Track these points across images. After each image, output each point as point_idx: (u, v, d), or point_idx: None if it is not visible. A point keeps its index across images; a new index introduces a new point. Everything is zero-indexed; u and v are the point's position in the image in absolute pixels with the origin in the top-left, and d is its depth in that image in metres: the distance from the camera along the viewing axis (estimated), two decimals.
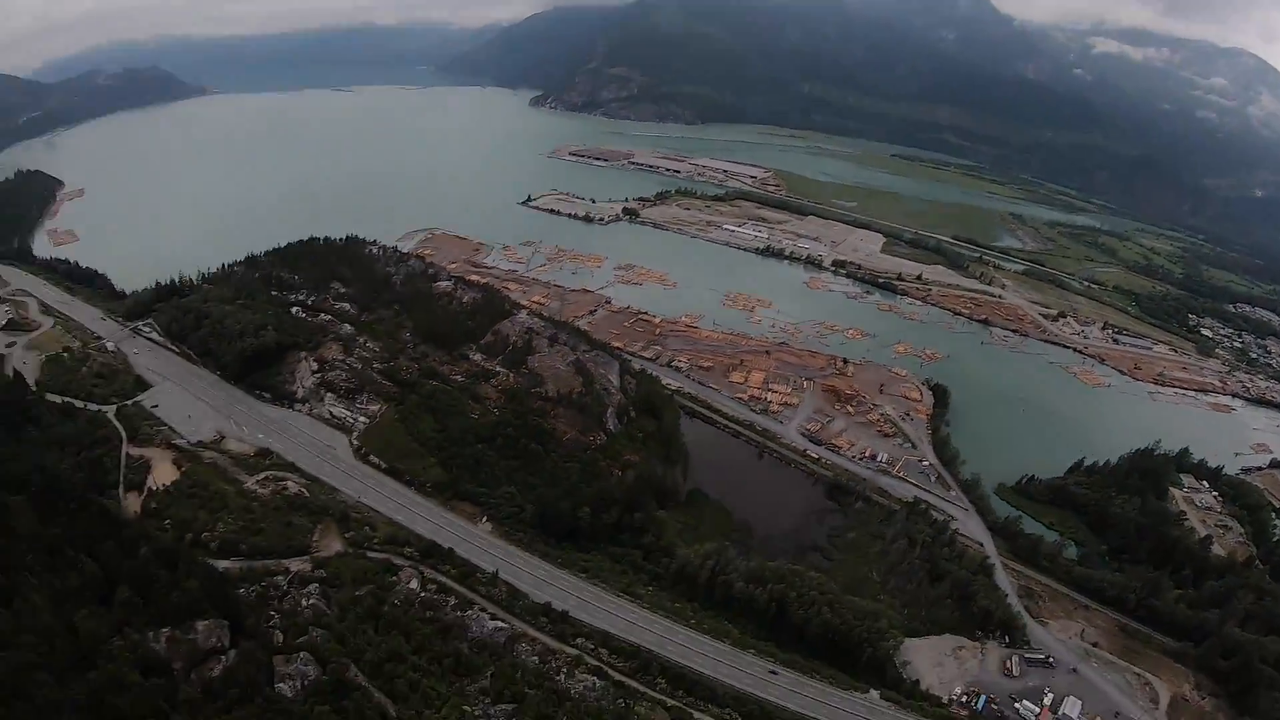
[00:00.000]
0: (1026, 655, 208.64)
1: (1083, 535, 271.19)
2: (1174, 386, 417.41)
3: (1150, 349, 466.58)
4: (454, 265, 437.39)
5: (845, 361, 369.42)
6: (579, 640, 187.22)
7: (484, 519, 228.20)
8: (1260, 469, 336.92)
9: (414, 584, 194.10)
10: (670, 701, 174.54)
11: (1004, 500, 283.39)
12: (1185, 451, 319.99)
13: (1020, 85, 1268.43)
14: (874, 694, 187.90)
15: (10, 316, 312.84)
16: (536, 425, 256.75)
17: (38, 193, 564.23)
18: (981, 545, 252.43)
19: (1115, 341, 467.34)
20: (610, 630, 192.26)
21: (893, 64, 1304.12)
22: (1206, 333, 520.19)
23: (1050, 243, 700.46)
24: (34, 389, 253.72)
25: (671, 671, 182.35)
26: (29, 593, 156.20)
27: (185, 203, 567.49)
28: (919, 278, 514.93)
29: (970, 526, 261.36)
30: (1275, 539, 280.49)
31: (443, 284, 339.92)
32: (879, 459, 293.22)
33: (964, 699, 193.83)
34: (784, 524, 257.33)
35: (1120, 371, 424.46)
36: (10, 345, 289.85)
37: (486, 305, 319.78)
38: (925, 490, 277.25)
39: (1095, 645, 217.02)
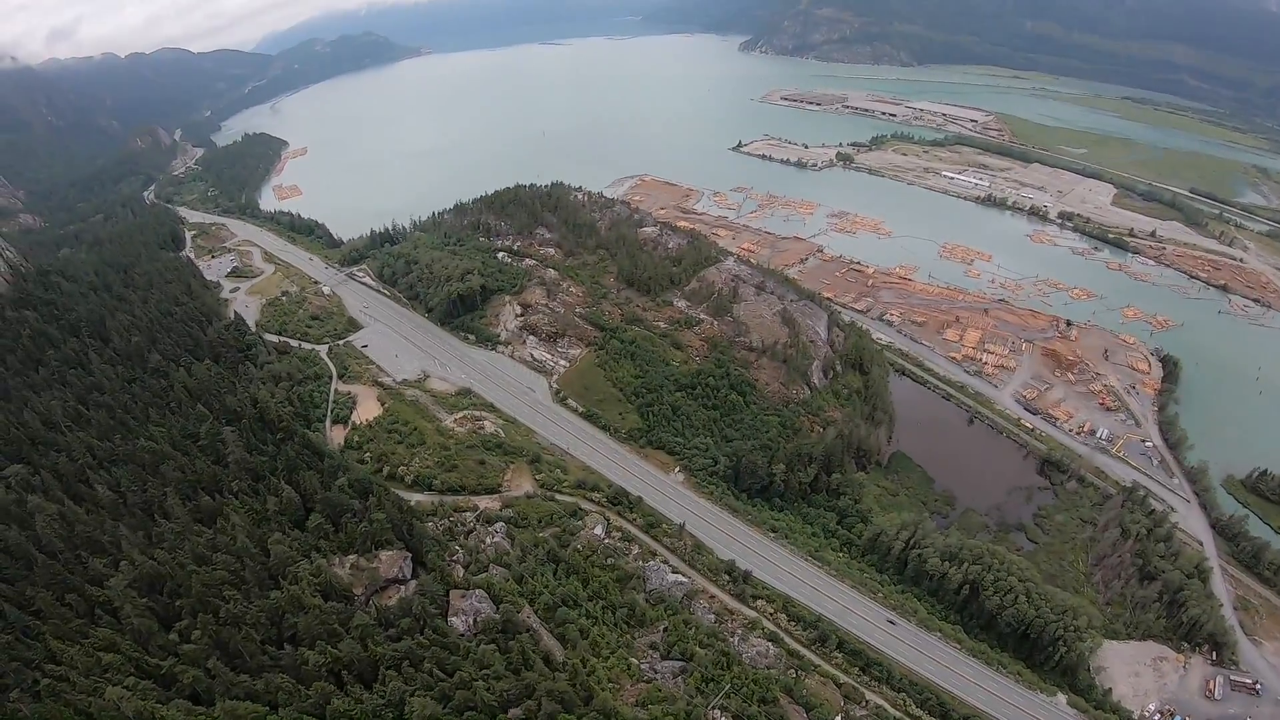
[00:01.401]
0: (1233, 677, 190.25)
1: None
2: None
3: None
4: (663, 211, 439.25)
5: (1068, 324, 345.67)
6: (759, 602, 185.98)
7: (677, 469, 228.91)
8: None
9: (599, 530, 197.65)
10: (843, 678, 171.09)
11: (1231, 495, 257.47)
12: None
13: (1263, 20, 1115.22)
14: (1061, 698, 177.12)
15: (235, 264, 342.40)
16: (738, 376, 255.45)
17: (264, 153, 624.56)
18: (1200, 545, 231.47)
19: None
20: (792, 595, 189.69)
21: None
22: None
23: None
24: (253, 330, 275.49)
25: (849, 646, 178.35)
26: (231, 515, 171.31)
27: (399, 156, 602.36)
28: (1152, 234, 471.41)
29: (1190, 521, 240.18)
30: None
31: (648, 229, 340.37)
32: (1099, 435, 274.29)
33: (1156, 717, 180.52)
34: (989, 498, 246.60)
35: None
36: (235, 290, 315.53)
37: (692, 251, 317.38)
38: (1146, 475, 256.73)
39: None
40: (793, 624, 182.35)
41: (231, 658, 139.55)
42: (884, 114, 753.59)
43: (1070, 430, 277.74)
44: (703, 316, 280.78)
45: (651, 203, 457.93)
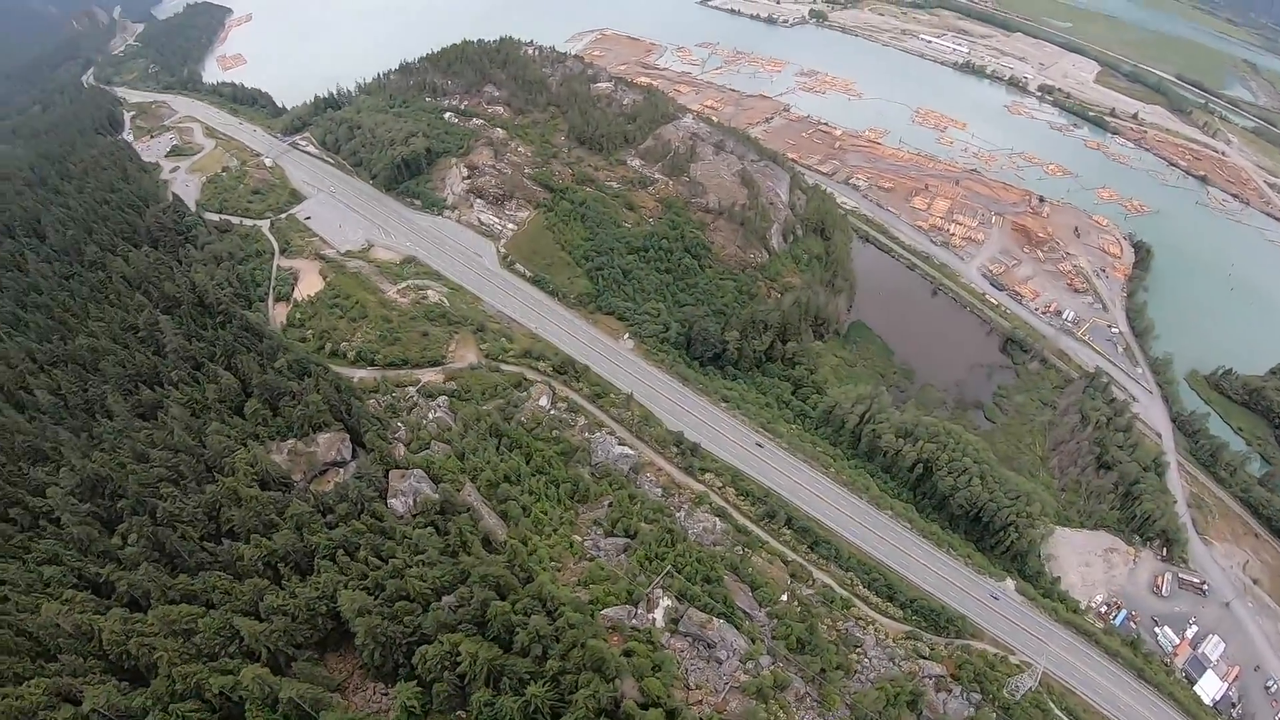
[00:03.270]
0: (1181, 575, 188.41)
1: (1271, 451, 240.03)
2: None
3: None
4: (623, 67, 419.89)
5: (1041, 200, 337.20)
6: (707, 476, 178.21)
7: (626, 335, 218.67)
8: None
9: (544, 400, 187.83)
10: (791, 555, 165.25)
11: (1195, 391, 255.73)
12: None
13: None
14: (1009, 583, 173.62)
15: (175, 143, 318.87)
16: (693, 238, 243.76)
17: (207, 22, 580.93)
18: (1160, 438, 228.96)
19: None
20: (742, 468, 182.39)
21: None
22: None
23: None
24: (193, 210, 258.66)
25: (798, 523, 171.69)
26: (171, 407, 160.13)
27: (348, 16, 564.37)
28: (1134, 116, 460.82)
29: (1151, 414, 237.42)
30: None
31: (602, 85, 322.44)
32: (1065, 316, 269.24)
33: (1103, 608, 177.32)
34: (949, 373, 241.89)
35: None
36: (174, 170, 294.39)
37: (648, 108, 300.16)
38: (1110, 361, 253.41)
39: (1256, 582, 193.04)
40: (741, 499, 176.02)
41: (170, 558, 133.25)
42: None
43: (1036, 309, 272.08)
44: (657, 176, 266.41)
45: (612, 58, 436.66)
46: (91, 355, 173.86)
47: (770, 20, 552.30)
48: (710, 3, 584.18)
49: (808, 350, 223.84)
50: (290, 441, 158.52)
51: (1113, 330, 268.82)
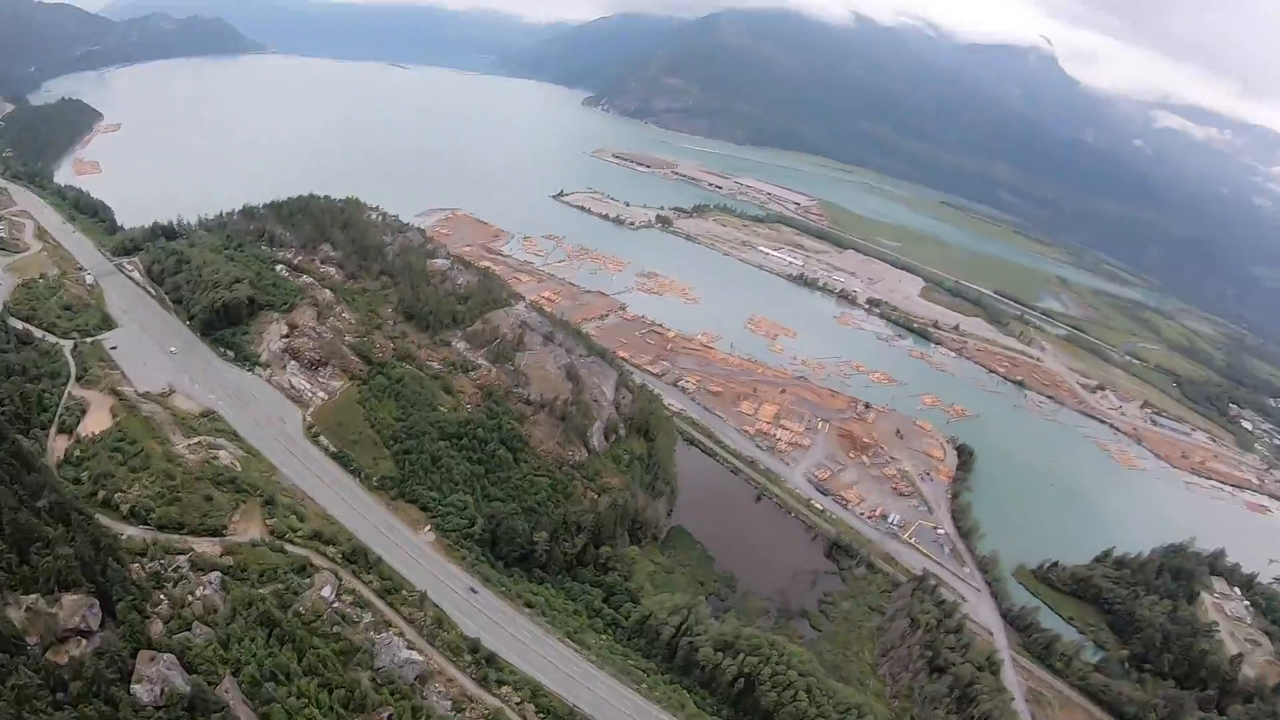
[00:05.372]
0: None
1: (1104, 636, 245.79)
2: (1211, 479, 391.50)
3: (1189, 435, 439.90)
4: (467, 248, 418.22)
5: (867, 406, 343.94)
6: (504, 689, 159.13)
7: (428, 528, 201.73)
8: None
9: (327, 590, 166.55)
10: None
11: (1023, 585, 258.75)
12: (1220, 553, 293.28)
13: (1079, 149, 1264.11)
14: None
15: (1, 235, 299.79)
16: (510, 430, 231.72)
17: (75, 120, 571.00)
18: (991, 635, 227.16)
19: (1154, 423, 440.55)
20: (543, 682, 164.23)
21: (955, 113, 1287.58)
22: (1247, 425, 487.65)
23: (1094, 310, 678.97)
24: None
25: None
26: None
27: (213, 150, 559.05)
28: (956, 328, 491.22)
29: (981, 612, 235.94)
30: None
31: (439, 261, 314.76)
32: (890, 520, 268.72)
33: None
34: (773, 581, 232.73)
35: (1156, 455, 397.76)
36: None
37: (482, 290, 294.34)
38: (937, 563, 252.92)
39: None
40: (541, 716, 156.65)
41: None
42: (711, 185, 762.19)
43: (862, 513, 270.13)
44: (481, 361, 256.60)
45: (458, 238, 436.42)
46: None
47: (618, 221, 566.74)
48: (564, 198, 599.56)
49: (623, 556, 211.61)
50: (33, 597, 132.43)
51: (938, 532, 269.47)
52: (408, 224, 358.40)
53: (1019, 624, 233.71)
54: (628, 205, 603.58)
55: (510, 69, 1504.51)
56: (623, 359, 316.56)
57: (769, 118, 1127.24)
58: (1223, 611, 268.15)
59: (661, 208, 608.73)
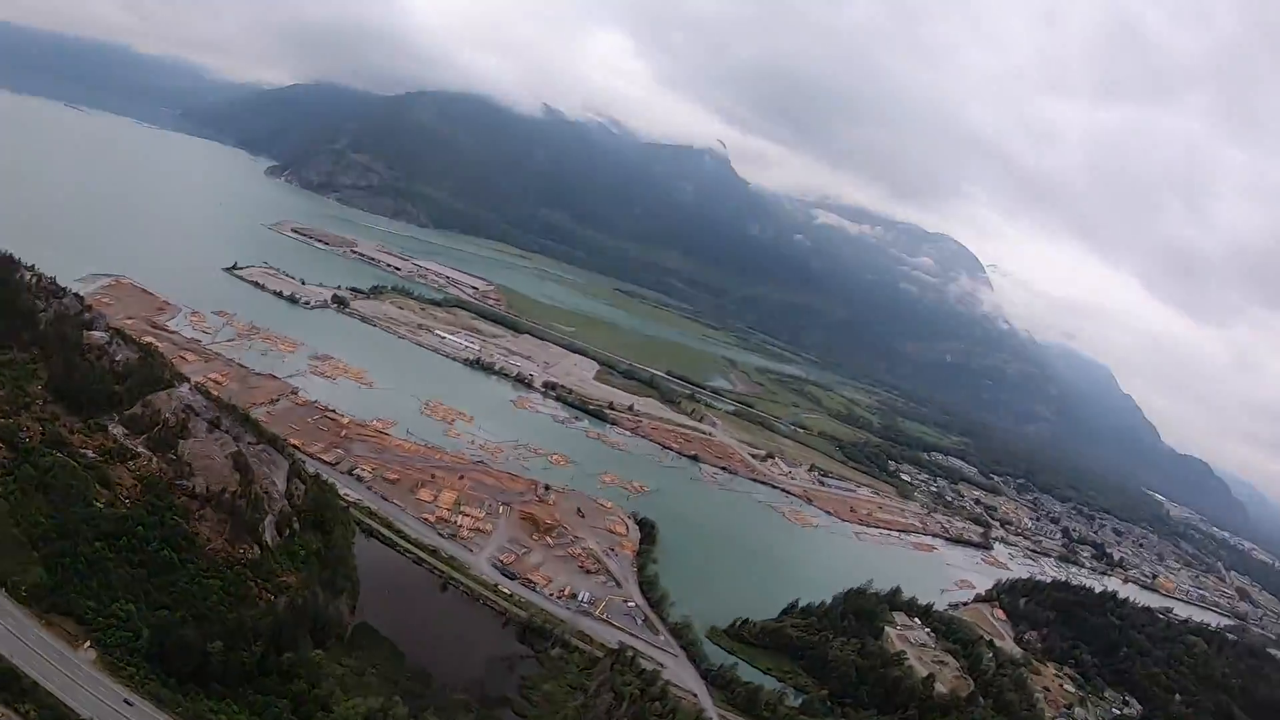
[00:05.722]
0: None
1: (803, 680, 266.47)
2: (879, 527, 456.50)
3: (855, 491, 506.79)
4: (131, 321, 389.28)
5: (547, 488, 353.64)
6: None
7: (88, 644, 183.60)
8: (966, 604, 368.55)
9: None
10: None
11: (718, 645, 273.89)
12: (896, 590, 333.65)
13: (746, 242, 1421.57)
14: None
15: None
16: (174, 526, 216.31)
17: None
18: (695, 696, 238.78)
19: (821, 483, 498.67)
20: None
21: (631, 204, 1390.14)
22: (905, 477, 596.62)
23: (760, 387, 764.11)
24: None
25: None
26: None
27: None
28: (630, 408, 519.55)
29: (682, 675, 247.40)
30: (990, 672, 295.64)
31: (97, 335, 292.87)
32: (580, 598, 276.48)
33: None
34: (468, 671, 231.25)
35: (828, 512, 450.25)
36: None
37: (143, 369, 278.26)
38: (632, 635, 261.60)
39: None
40: None
41: None
42: (390, 266, 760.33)
43: (551, 594, 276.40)
44: (141, 450, 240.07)
45: (121, 309, 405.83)
46: None
47: (293, 299, 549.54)
48: (238, 271, 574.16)
49: (308, 661, 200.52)
50: None
51: (629, 604, 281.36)
52: (65, 288, 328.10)
53: (719, 682, 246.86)
54: (304, 283, 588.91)
55: (194, 126, 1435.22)
56: (295, 447, 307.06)
57: (453, 201, 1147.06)
58: (907, 640, 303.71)
59: (339, 287, 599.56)
